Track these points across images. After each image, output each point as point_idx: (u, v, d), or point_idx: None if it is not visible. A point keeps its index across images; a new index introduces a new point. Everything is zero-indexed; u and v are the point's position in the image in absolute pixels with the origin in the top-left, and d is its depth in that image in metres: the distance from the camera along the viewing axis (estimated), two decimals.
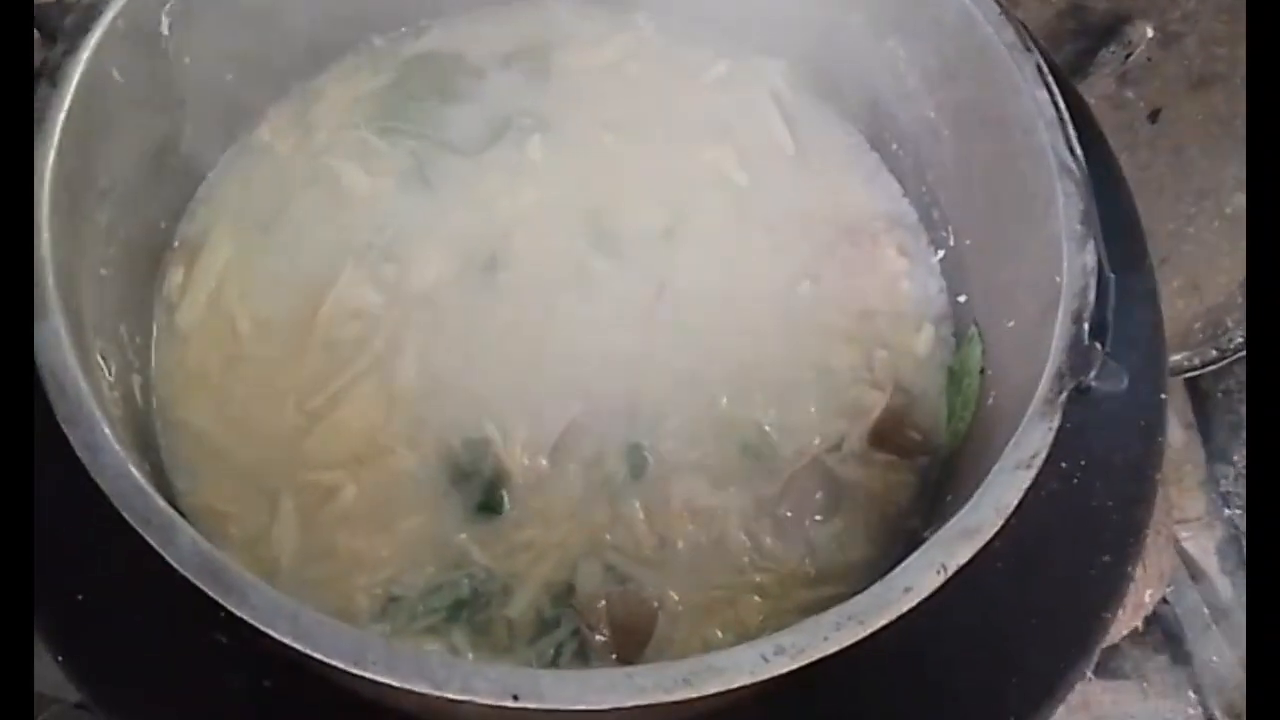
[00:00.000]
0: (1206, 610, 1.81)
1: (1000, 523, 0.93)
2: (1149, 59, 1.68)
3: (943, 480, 1.16)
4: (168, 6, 1.10)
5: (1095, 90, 1.66)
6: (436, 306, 1.20)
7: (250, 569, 1.00)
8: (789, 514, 1.14)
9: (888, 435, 1.18)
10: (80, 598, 1.05)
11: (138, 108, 1.11)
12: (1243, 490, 1.86)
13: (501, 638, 1.08)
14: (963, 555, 0.92)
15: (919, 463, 1.18)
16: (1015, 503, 0.94)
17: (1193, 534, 1.84)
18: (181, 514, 1.02)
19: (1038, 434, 0.96)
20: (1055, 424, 0.97)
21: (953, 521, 0.93)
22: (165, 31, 1.11)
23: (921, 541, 0.99)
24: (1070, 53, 1.68)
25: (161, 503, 0.90)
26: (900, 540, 1.14)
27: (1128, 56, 1.68)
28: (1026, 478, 0.95)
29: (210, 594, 0.86)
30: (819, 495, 1.15)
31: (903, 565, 0.92)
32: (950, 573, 0.91)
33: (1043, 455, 0.96)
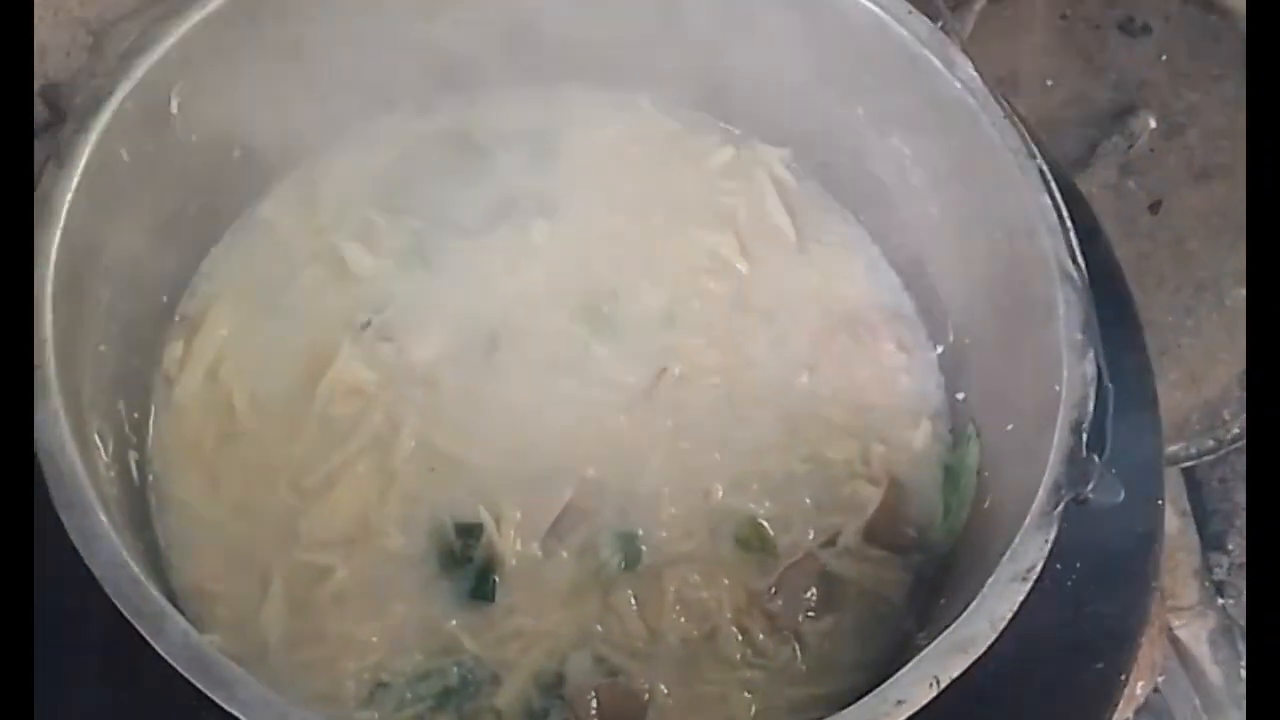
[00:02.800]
0: (1198, 700, 1.80)
1: (994, 636, 0.93)
2: (1151, 150, 1.69)
3: (937, 579, 1.16)
4: (178, 86, 1.10)
5: (1097, 180, 1.67)
6: (434, 386, 1.19)
7: (238, 651, 1.04)
8: (781, 609, 1.13)
9: (883, 531, 1.17)
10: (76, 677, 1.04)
11: (144, 186, 1.11)
12: (1237, 580, 1.85)
13: None
14: (956, 669, 0.92)
15: (913, 560, 1.17)
16: (1010, 615, 0.94)
17: (1185, 622, 1.83)
18: (172, 593, 1.07)
19: (1034, 546, 0.97)
20: (1051, 536, 0.97)
21: (947, 633, 0.93)
22: (174, 111, 1.11)
23: (914, 643, 1.04)
24: (1073, 142, 1.69)
25: (153, 592, 0.90)
26: (893, 640, 1.14)
27: (1130, 147, 1.70)
28: (1022, 590, 0.95)
29: (199, 686, 0.86)
30: (812, 591, 1.14)
31: (895, 677, 0.92)
32: (943, 686, 0.91)
33: (1038, 568, 0.96)
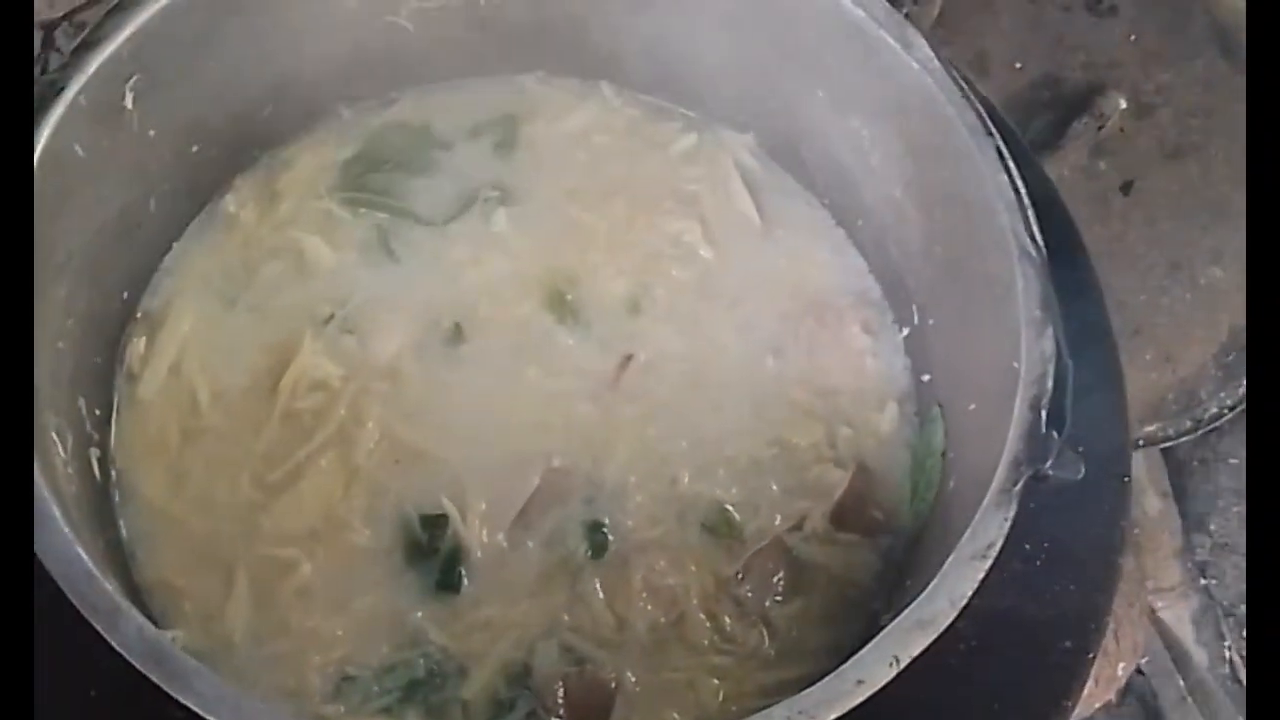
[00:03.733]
0: (1181, 681, 1.80)
1: (955, 614, 0.93)
2: (1122, 130, 1.69)
3: (905, 562, 1.15)
4: (132, 81, 1.09)
5: (1068, 161, 1.67)
6: (398, 378, 1.19)
7: (204, 646, 1.06)
8: (749, 594, 1.13)
9: (850, 515, 1.17)
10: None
11: (100, 181, 1.10)
12: (1219, 560, 1.85)
13: (457, 719, 1.07)
14: (916, 647, 0.91)
15: (881, 543, 1.17)
16: (970, 593, 0.93)
17: (1169, 604, 1.83)
18: (137, 589, 1.08)
19: (994, 524, 0.96)
20: (1011, 514, 0.96)
21: (907, 612, 0.93)
22: (129, 105, 1.10)
23: (880, 622, 1.01)
24: (1043, 124, 1.69)
25: (106, 587, 0.89)
26: (862, 623, 1.13)
27: (1100, 128, 1.69)
28: (981, 568, 0.94)
29: (156, 681, 0.86)
30: (780, 575, 1.14)
31: (856, 657, 0.91)
32: (903, 665, 0.91)
33: (998, 545, 0.95)
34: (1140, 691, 1.82)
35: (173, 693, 0.85)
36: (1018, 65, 1.71)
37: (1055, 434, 0.98)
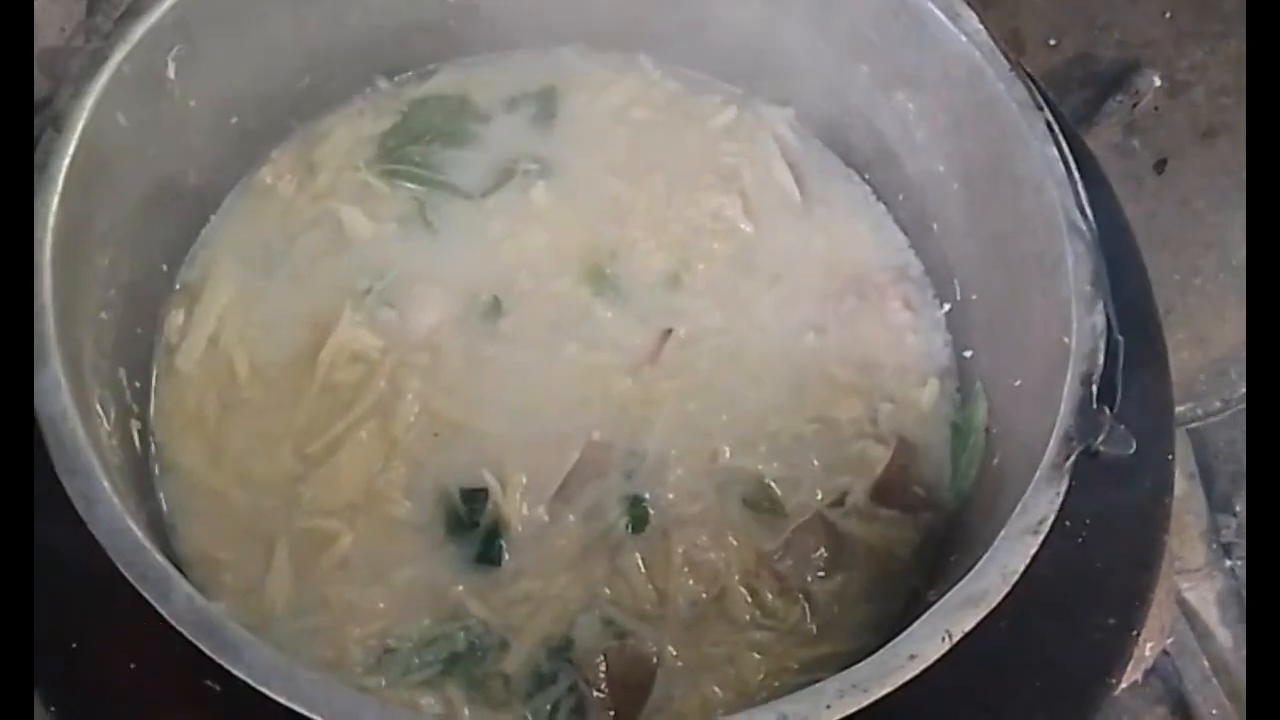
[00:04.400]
0: (1206, 662, 1.79)
1: (1006, 589, 0.92)
2: (1156, 108, 1.68)
3: (946, 538, 1.15)
4: (174, 51, 1.10)
5: (1101, 139, 1.66)
6: (437, 351, 1.20)
7: (244, 618, 1.04)
8: (790, 569, 1.13)
9: (891, 490, 1.17)
10: (75, 646, 1.02)
11: (142, 151, 1.11)
12: (1244, 541, 1.84)
13: (498, 693, 1.07)
14: (968, 622, 0.91)
15: (922, 519, 1.17)
16: (1021, 569, 0.93)
17: (1194, 585, 1.83)
18: (177, 561, 1.06)
19: (1045, 499, 0.96)
20: (1063, 489, 0.96)
21: (958, 587, 0.93)
22: (171, 76, 1.11)
23: (924, 601, 1.00)
24: (1077, 102, 1.68)
25: (158, 557, 0.89)
26: (902, 598, 1.13)
27: (1134, 106, 1.68)
28: (1033, 543, 0.94)
29: (205, 651, 0.85)
30: (821, 551, 1.14)
31: (907, 632, 0.91)
32: (955, 640, 0.90)
33: (1050, 520, 0.95)
34: (1164, 672, 1.81)
35: (224, 663, 0.85)
36: (1052, 42, 1.70)
37: (1107, 410, 0.98)
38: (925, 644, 0.90)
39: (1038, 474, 0.96)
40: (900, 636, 0.91)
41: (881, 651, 0.90)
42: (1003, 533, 0.94)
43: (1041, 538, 0.94)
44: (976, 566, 0.93)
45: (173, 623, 0.86)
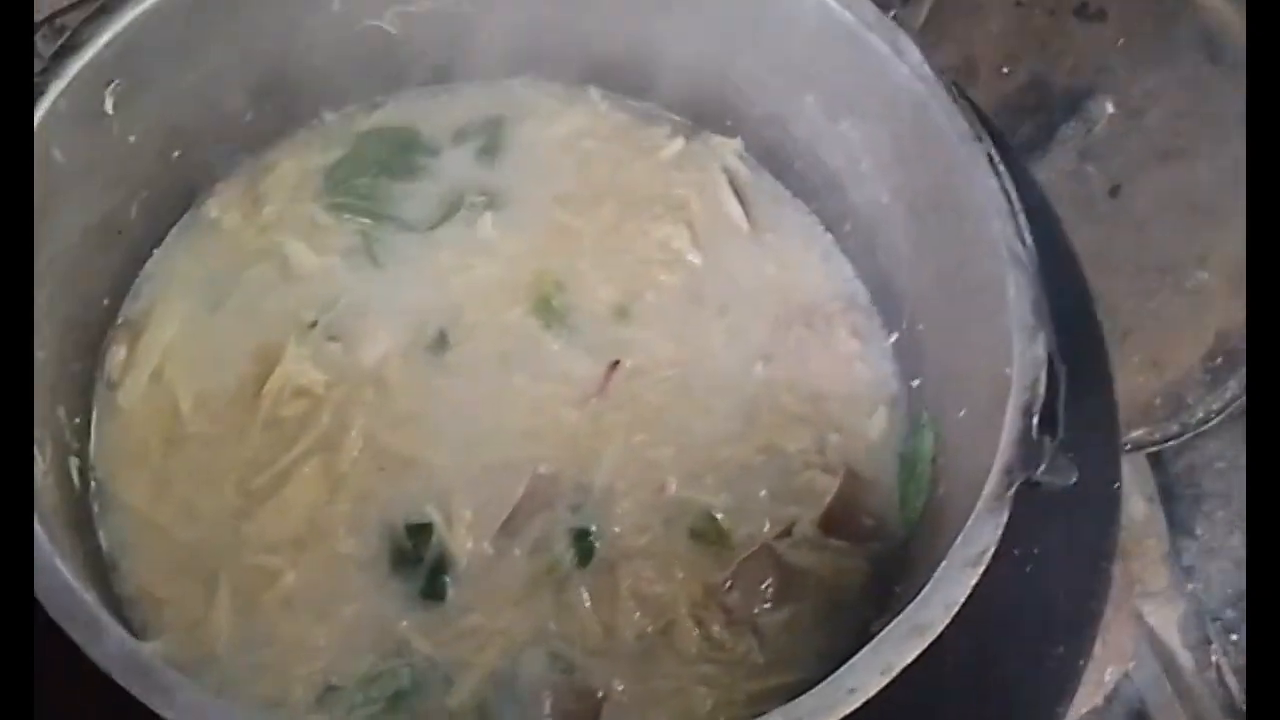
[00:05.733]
0: (1169, 685, 1.79)
1: (948, 620, 0.92)
2: (1110, 134, 1.68)
3: (895, 569, 1.14)
4: (112, 86, 1.08)
5: (1056, 165, 1.67)
6: (383, 384, 1.18)
7: (186, 657, 1.04)
8: (739, 601, 1.12)
9: (840, 521, 1.16)
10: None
11: (81, 186, 1.09)
12: (1205, 565, 1.85)
13: None
14: (909, 654, 0.91)
15: (871, 549, 1.16)
16: (962, 600, 0.93)
17: (1155, 608, 1.83)
18: (119, 600, 1.06)
19: (986, 530, 0.95)
20: (1003, 520, 0.96)
21: (900, 618, 0.92)
22: (110, 110, 1.09)
23: (871, 629, 1.00)
24: (1030, 128, 1.68)
25: (86, 598, 0.88)
26: (852, 629, 1.12)
27: (1089, 132, 1.69)
28: (974, 574, 0.94)
29: (134, 695, 0.84)
30: (769, 582, 1.13)
31: (848, 664, 0.91)
32: (896, 672, 0.90)
33: (990, 552, 0.95)
34: (1127, 696, 1.81)
35: (154, 707, 0.84)
36: (1005, 70, 1.70)
37: (1048, 440, 0.98)
38: (866, 676, 0.90)
39: (979, 505, 0.96)
40: (841, 669, 0.90)
41: (823, 684, 0.90)
42: (944, 564, 0.94)
43: (982, 569, 0.94)
44: (918, 598, 0.93)
45: (101, 666, 0.85)
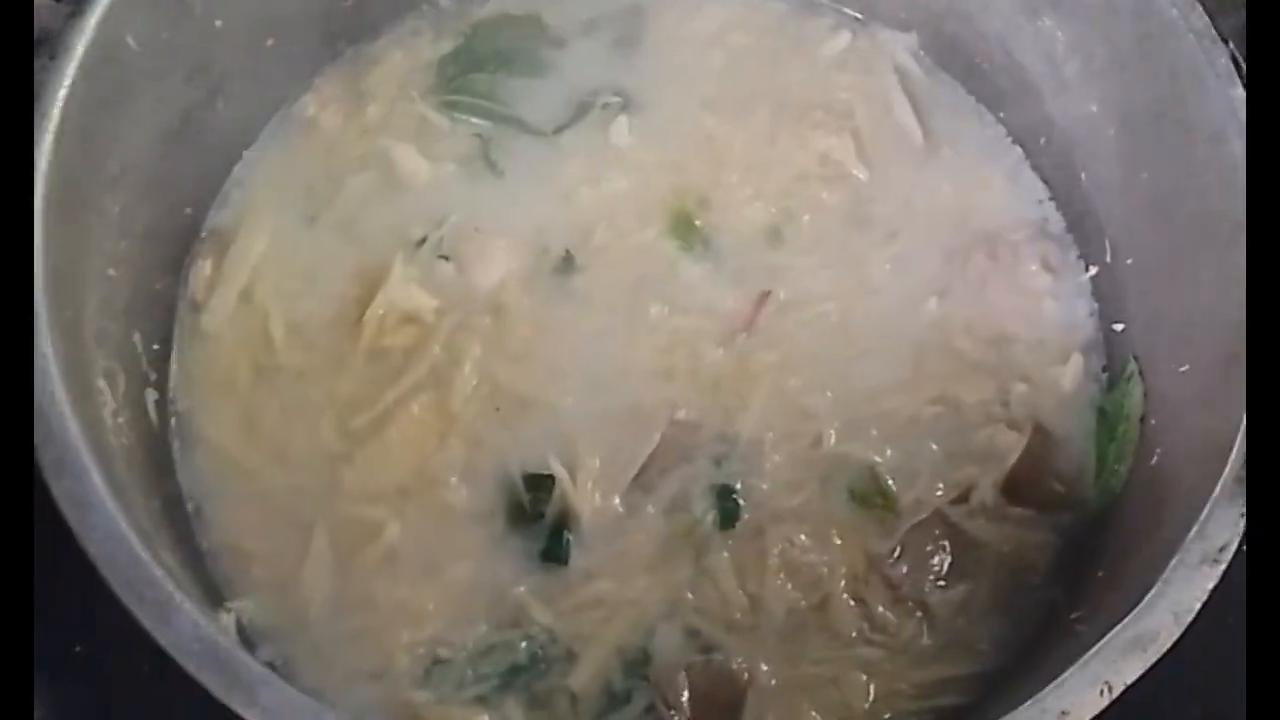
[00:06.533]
0: None
1: (1179, 632, 0.82)
2: None
3: (1091, 546, 1.05)
4: None
5: None
6: (501, 312, 1.11)
7: (275, 620, 1.00)
8: (905, 576, 1.04)
9: (1024, 486, 1.07)
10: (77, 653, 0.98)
11: (158, 79, 1.03)
12: None
13: (563, 712, 0.99)
14: (1132, 673, 0.82)
15: (1061, 520, 1.07)
16: (1197, 608, 0.82)
17: None
18: (200, 552, 1.02)
19: (1227, 521, 0.85)
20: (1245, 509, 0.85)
21: (1121, 627, 0.83)
22: None
23: (1064, 620, 0.97)
24: (1238, 23, 1.50)
25: (155, 572, 0.81)
26: (1037, 613, 1.03)
27: None
28: (1213, 575, 0.84)
29: (212, 691, 0.76)
30: (941, 555, 1.04)
31: (1058, 681, 0.82)
32: (1115, 694, 0.81)
33: (1233, 548, 0.83)
34: None
35: (234, 706, 0.76)
36: None
37: None
38: (1080, 697, 0.81)
39: (1217, 488, 0.86)
40: (1050, 687, 0.81)
41: (1028, 706, 0.81)
42: (1175, 560, 0.84)
43: (1223, 568, 0.83)
44: (1144, 601, 0.83)
45: (172, 655, 0.77)
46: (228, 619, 0.94)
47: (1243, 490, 0.84)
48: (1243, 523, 0.84)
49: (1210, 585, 0.82)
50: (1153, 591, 0.82)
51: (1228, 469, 0.85)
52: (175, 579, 0.82)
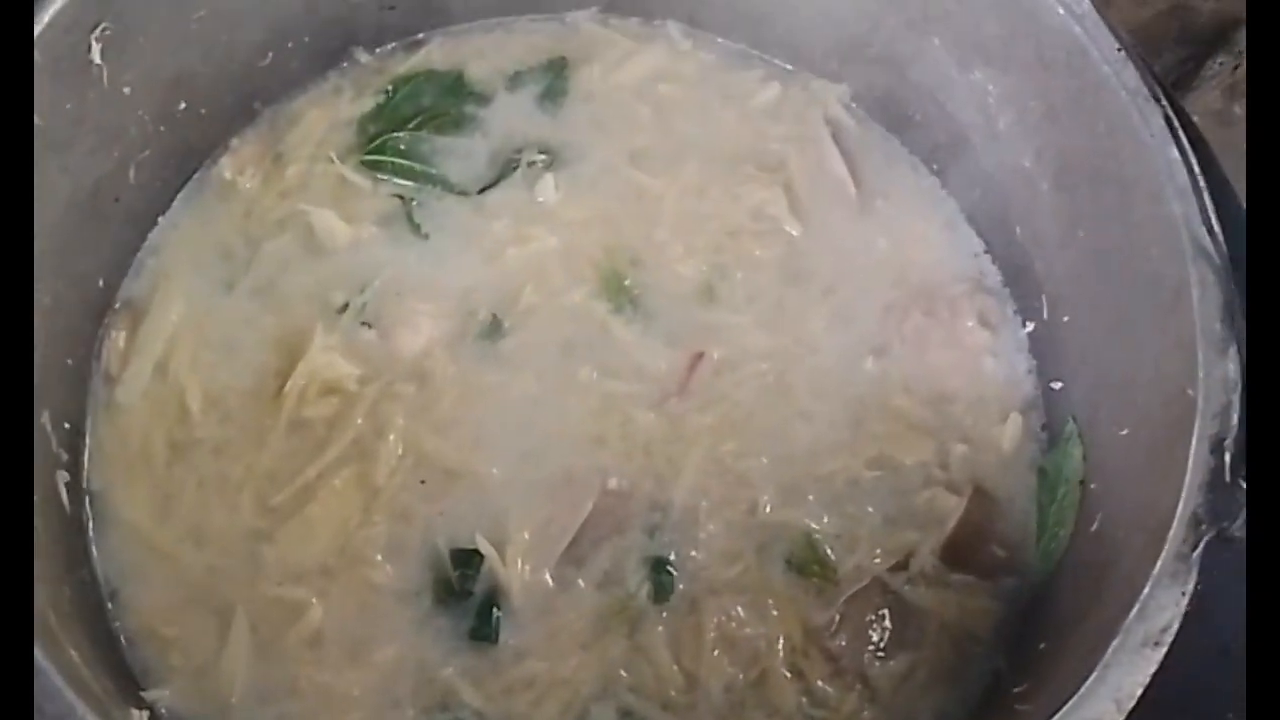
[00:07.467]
0: None
1: (1121, 718, 0.80)
2: None
3: (1033, 613, 1.03)
4: (98, 30, 0.99)
5: (1199, 105, 1.54)
6: (426, 380, 1.09)
7: (195, 708, 0.97)
8: (845, 647, 1.02)
9: (965, 551, 1.05)
10: None
11: (65, 151, 1.00)
12: None
13: None
14: None
15: (1003, 586, 1.05)
16: (1139, 692, 0.80)
17: None
18: (116, 638, 1.01)
19: (1169, 599, 0.83)
20: (1190, 587, 0.83)
21: (1061, 715, 0.80)
22: (97, 60, 1.00)
23: (1006, 689, 0.97)
24: (1171, 62, 1.57)
25: (58, 682, 0.78)
26: (980, 683, 1.01)
27: (1236, 68, 1.56)
28: (1154, 657, 0.83)
29: None
30: (881, 625, 1.03)
31: None
32: None
33: (1174, 629, 0.83)
34: None
35: None
36: None
37: (1243, 483, 0.84)
38: None
39: (1158, 566, 0.83)
40: None
41: None
42: (1116, 642, 0.82)
43: (1164, 650, 0.81)
44: (1083, 688, 0.80)
45: None
46: (139, 716, 0.89)
47: (1186, 568, 0.81)
48: (1184, 602, 0.81)
49: (1152, 669, 0.80)
50: (1093, 677, 0.81)
51: (1167, 545, 0.82)
52: (86, 673, 0.79)
